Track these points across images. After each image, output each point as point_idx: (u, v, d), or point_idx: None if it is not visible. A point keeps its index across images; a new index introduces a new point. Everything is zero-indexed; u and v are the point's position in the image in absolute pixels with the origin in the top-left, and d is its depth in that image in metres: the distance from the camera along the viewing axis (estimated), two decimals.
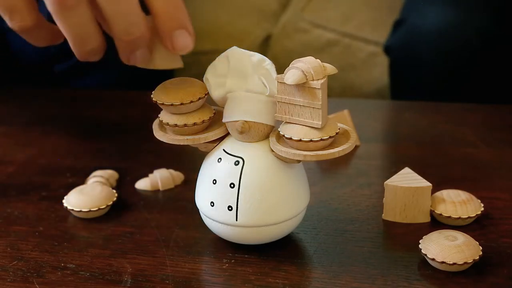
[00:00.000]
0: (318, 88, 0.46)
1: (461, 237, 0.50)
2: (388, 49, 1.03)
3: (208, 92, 0.50)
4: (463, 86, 0.95)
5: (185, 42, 0.47)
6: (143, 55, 0.48)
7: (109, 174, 0.64)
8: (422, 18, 0.96)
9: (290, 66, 0.47)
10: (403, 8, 1.04)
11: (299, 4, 1.18)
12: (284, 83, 0.47)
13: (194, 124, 0.49)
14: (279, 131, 0.49)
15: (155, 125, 0.52)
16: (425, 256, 0.50)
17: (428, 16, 0.96)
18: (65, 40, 0.49)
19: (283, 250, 0.52)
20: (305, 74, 0.46)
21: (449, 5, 0.97)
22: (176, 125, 0.49)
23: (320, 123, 0.47)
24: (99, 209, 0.57)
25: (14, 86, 0.92)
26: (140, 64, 0.49)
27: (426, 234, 0.51)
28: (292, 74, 0.46)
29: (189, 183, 0.63)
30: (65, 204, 0.58)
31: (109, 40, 0.49)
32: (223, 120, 0.50)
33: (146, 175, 0.64)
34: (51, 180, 0.65)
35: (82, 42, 0.48)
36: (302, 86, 0.46)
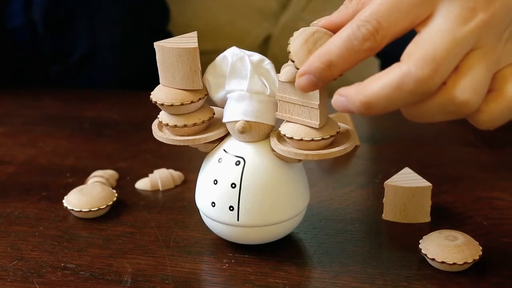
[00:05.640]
0: None
1: (461, 237, 0.50)
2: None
3: (208, 93, 0.50)
4: None
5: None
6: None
7: (109, 174, 0.64)
8: None
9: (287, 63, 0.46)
10: None
11: (299, 4, 1.18)
12: (284, 81, 0.47)
13: (194, 124, 0.49)
14: (279, 131, 0.49)
15: (154, 126, 0.52)
16: (425, 256, 0.50)
17: None
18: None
19: (283, 250, 0.52)
20: None
21: None
22: (176, 126, 0.49)
23: (318, 123, 0.46)
24: (99, 209, 0.57)
25: (14, 86, 0.92)
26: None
27: (426, 234, 0.51)
28: (286, 71, 0.46)
29: (189, 183, 0.63)
30: (65, 204, 0.58)
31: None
32: (223, 120, 0.50)
33: (146, 175, 0.64)
34: (51, 180, 0.65)
35: None
36: None
